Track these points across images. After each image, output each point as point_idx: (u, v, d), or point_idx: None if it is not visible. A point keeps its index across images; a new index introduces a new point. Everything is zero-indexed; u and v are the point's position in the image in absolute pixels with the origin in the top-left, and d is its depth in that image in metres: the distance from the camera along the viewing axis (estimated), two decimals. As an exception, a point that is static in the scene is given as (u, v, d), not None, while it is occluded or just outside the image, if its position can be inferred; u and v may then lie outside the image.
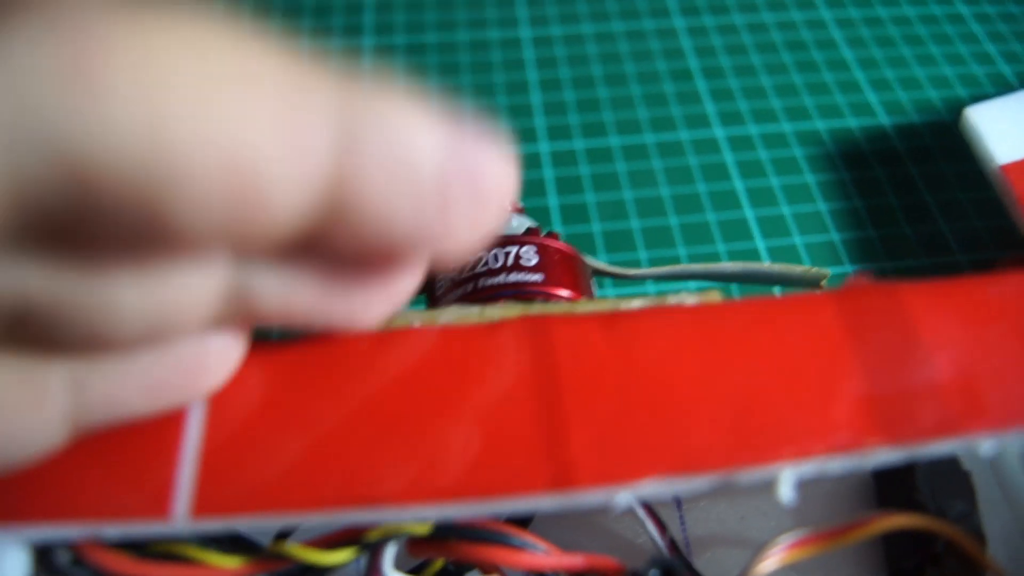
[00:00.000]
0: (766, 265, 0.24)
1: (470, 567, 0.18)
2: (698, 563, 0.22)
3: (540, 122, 0.36)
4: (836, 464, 0.16)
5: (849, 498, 0.23)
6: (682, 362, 0.16)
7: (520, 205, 0.24)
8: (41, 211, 0.10)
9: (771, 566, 0.17)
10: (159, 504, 0.15)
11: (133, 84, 0.09)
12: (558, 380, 0.16)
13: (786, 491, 0.16)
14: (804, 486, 0.17)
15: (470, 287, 0.20)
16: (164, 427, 0.15)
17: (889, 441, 0.16)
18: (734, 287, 0.29)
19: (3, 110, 0.09)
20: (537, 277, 0.20)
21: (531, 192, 0.34)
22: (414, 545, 0.18)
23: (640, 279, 0.24)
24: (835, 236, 0.32)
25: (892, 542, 0.22)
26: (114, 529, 0.15)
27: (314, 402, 0.16)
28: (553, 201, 0.33)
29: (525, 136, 0.36)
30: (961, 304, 0.17)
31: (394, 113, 0.12)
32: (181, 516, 0.15)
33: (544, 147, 0.35)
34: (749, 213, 0.33)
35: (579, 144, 0.36)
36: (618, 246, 0.32)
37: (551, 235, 0.22)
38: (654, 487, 0.15)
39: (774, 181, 0.34)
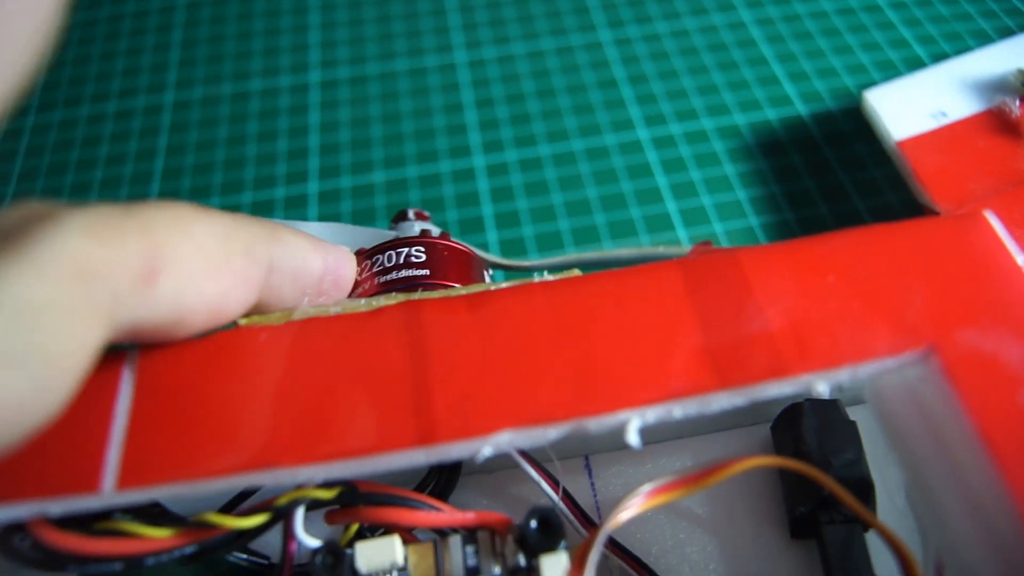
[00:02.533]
0: (660, 248, 0.25)
1: (378, 529, 0.20)
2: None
3: (475, 138, 0.39)
4: (678, 409, 0.17)
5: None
6: (535, 330, 0.18)
7: (425, 213, 0.26)
8: None
9: (633, 512, 0.18)
10: (90, 480, 0.17)
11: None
12: (426, 352, 0.18)
13: (633, 436, 0.17)
14: (709, 452, 0.18)
15: (367, 285, 0.22)
16: (94, 410, 0.18)
17: (724, 385, 0.18)
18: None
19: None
20: (424, 272, 0.22)
21: (466, 203, 0.36)
22: (330, 515, 0.20)
23: (534, 270, 0.26)
24: (754, 221, 0.34)
25: (789, 492, 0.23)
26: (56, 505, 0.17)
27: (222, 384, 0.18)
28: (488, 210, 0.35)
29: (460, 152, 0.38)
30: (793, 261, 0.19)
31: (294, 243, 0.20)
32: (108, 489, 0.17)
33: (479, 161, 0.38)
34: (671, 206, 0.35)
35: (511, 155, 0.38)
36: (549, 246, 0.34)
37: (443, 235, 0.24)
38: (508, 438, 0.17)
39: (695, 175, 0.36)
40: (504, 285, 0.20)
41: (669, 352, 0.18)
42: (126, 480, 0.17)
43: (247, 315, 0.20)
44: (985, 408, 0.17)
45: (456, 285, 0.22)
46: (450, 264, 0.23)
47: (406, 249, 0.23)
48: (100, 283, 0.15)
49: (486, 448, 0.17)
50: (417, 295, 0.20)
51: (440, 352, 0.18)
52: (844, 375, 0.18)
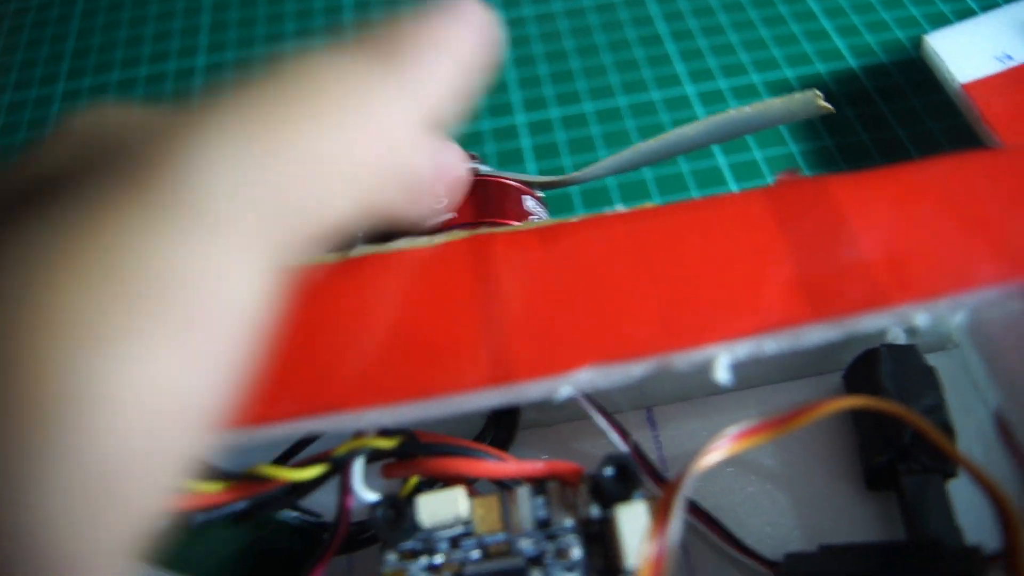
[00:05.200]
0: (743, 109, 0.22)
1: (438, 483, 0.19)
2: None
3: (516, 96, 0.37)
4: (770, 343, 0.16)
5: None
6: (615, 263, 0.17)
7: (472, 154, 0.25)
8: None
9: (718, 456, 0.17)
10: None
11: None
12: (498, 287, 0.17)
13: (722, 372, 0.16)
14: (777, 403, 0.17)
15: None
16: None
17: (819, 316, 0.16)
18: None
19: None
20: (451, 215, 0.21)
21: (510, 160, 0.35)
22: (388, 467, 0.19)
23: (588, 180, 0.24)
24: (809, 175, 0.33)
25: (865, 442, 0.22)
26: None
27: (277, 327, 0.17)
28: (532, 168, 0.34)
29: (501, 111, 0.37)
30: (888, 189, 0.18)
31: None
32: None
33: (520, 119, 0.36)
34: (722, 160, 0.33)
35: (555, 113, 0.36)
36: (596, 202, 0.32)
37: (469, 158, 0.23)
38: (590, 375, 0.16)
39: (749, 138, 0.35)
40: (577, 218, 0.18)
41: (759, 284, 0.17)
42: None
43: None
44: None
45: (508, 222, 0.21)
46: (478, 200, 0.22)
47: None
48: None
49: (565, 387, 0.16)
50: (482, 230, 0.19)
51: (513, 287, 0.17)
52: (945, 305, 0.16)
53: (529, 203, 0.23)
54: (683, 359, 0.16)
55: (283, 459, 0.20)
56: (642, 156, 0.23)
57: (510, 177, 0.23)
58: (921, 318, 0.16)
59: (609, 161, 0.23)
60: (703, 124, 0.22)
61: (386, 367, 0.16)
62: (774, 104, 0.22)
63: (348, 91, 0.13)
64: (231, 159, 0.11)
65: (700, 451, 0.17)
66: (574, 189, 0.33)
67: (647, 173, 0.33)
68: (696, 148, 0.23)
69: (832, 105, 0.21)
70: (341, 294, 0.18)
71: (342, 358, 0.17)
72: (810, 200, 0.18)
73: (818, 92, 0.21)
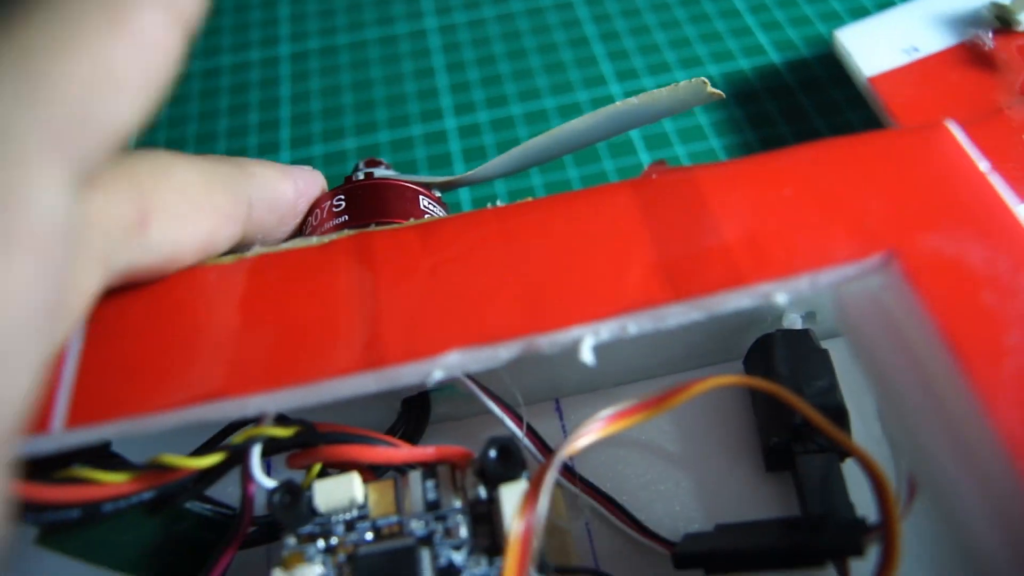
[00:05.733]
0: (630, 101, 0.23)
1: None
2: (578, 465, 0.23)
3: (446, 101, 0.38)
4: (632, 324, 0.17)
5: (723, 398, 0.24)
6: (485, 254, 0.18)
7: (377, 159, 0.26)
8: None
9: (593, 436, 0.18)
10: (40, 421, 0.17)
11: None
12: (376, 279, 0.18)
13: (586, 353, 0.17)
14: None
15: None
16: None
17: (679, 297, 0.17)
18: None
19: None
20: (343, 219, 0.22)
21: (439, 164, 0.35)
22: (291, 458, 0.20)
23: (481, 180, 0.25)
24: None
25: (762, 425, 0.23)
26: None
27: (172, 324, 0.18)
28: (460, 170, 0.35)
29: (432, 116, 0.38)
30: (750, 176, 0.19)
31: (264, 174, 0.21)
32: (58, 429, 0.17)
33: (450, 123, 0.37)
34: (644, 157, 0.34)
35: (483, 116, 0.37)
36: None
37: (368, 174, 0.24)
38: (459, 358, 0.16)
39: (668, 125, 0.35)
40: (457, 215, 0.19)
41: (622, 268, 0.17)
42: (75, 418, 0.17)
43: (232, 251, 0.20)
44: (949, 310, 0.16)
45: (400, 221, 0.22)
46: (371, 202, 0.22)
47: (328, 201, 0.23)
48: (96, 233, 0.16)
49: (436, 371, 0.16)
50: (369, 229, 0.19)
51: (389, 280, 0.18)
52: (804, 283, 0.17)
53: (425, 202, 0.23)
54: (548, 341, 0.17)
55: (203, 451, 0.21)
56: (533, 154, 0.24)
57: (405, 180, 0.24)
58: (780, 296, 0.17)
59: (501, 160, 0.24)
60: (592, 117, 0.23)
61: (269, 357, 0.17)
62: (661, 94, 0.22)
63: (99, 7, 0.14)
64: (9, 85, 0.13)
65: (575, 432, 0.18)
66: (500, 190, 0.34)
67: (572, 172, 0.34)
68: (588, 143, 0.24)
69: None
70: (229, 290, 0.18)
71: (227, 349, 0.17)
72: (675, 189, 0.19)
73: (705, 79, 0.22)
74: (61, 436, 0.17)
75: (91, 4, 0.14)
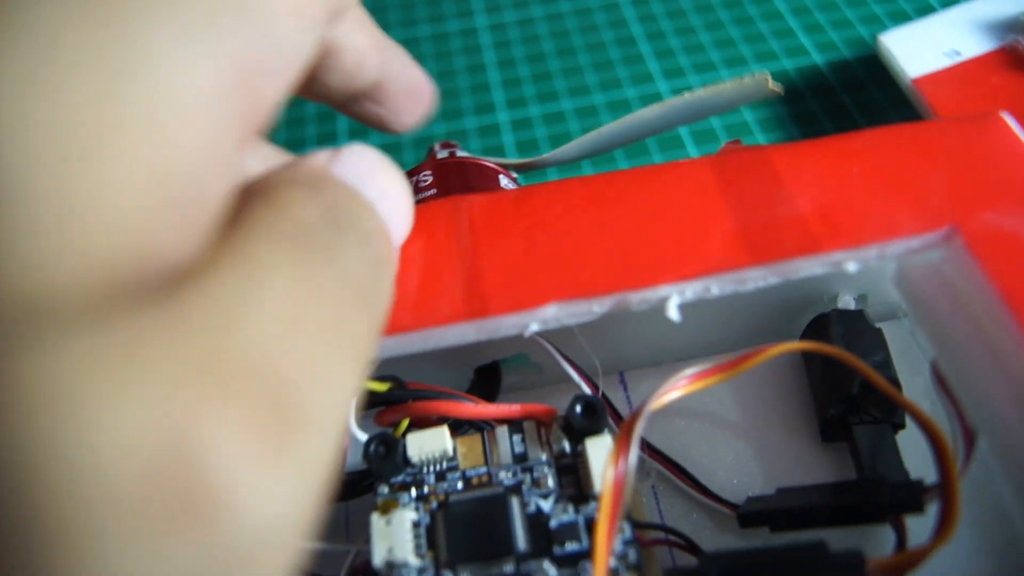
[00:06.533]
0: (697, 92, 0.24)
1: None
2: (644, 433, 0.24)
3: (499, 96, 0.40)
4: (715, 285, 0.18)
5: (781, 372, 0.26)
6: (577, 218, 0.19)
7: (451, 142, 0.27)
8: None
9: (676, 394, 0.19)
10: None
11: None
12: (475, 237, 0.19)
13: (672, 310, 0.18)
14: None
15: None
16: None
17: (758, 261, 0.18)
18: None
19: None
20: (432, 192, 0.23)
21: (493, 155, 0.37)
22: (380, 414, 0.21)
23: (559, 162, 0.26)
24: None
25: (818, 396, 0.24)
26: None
27: None
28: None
29: (485, 109, 0.39)
30: (821, 155, 0.20)
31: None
32: None
33: (503, 116, 0.39)
34: (692, 152, 0.36)
35: (535, 111, 0.39)
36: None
37: (451, 153, 0.25)
38: (555, 311, 0.18)
39: (714, 122, 0.37)
40: (545, 183, 0.21)
41: (704, 234, 0.19)
42: None
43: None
44: (1009, 278, 0.18)
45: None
46: (456, 178, 0.24)
47: (414, 177, 0.24)
48: None
49: (533, 323, 0.18)
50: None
51: (488, 238, 0.19)
52: (873, 253, 0.18)
53: (504, 181, 0.25)
54: (638, 297, 0.18)
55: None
56: (606, 139, 0.25)
57: (487, 160, 0.25)
58: (851, 265, 0.18)
59: (576, 144, 0.25)
60: (661, 107, 0.24)
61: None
62: (727, 87, 0.24)
63: None
64: None
65: (658, 390, 0.19)
66: (548, 171, 0.35)
67: (622, 164, 0.35)
68: (657, 131, 0.25)
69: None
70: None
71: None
72: (750, 165, 0.20)
73: (767, 75, 0.23)
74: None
75: None
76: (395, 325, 0.18)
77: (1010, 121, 0.21)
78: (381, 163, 0.16)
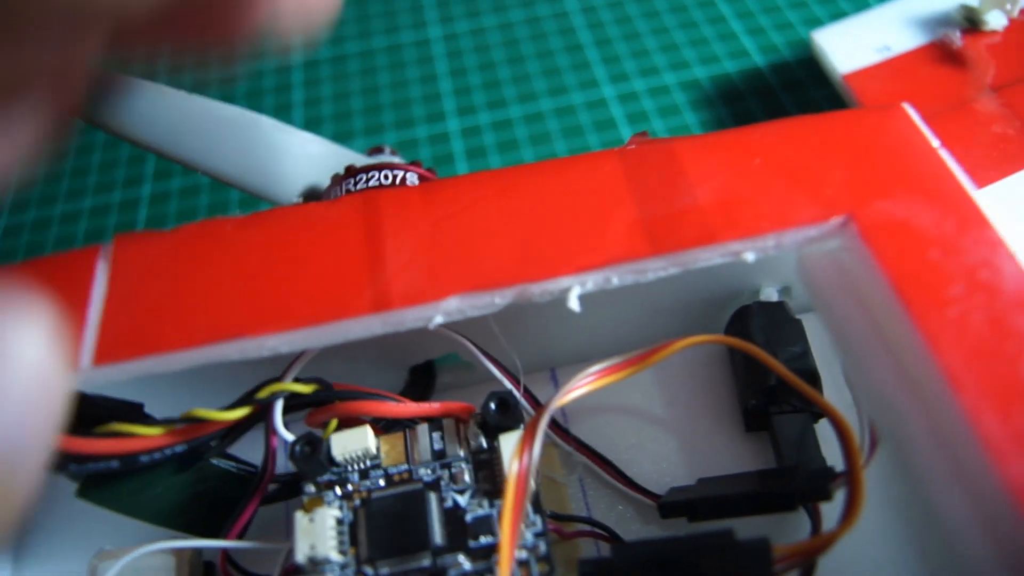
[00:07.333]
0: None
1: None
2: (572, 428, 0.25)
3: (449, 104, 0.40)
4: (615, 276, 0.19)
5: (705, 365, 0.26)
6: (482, 210, 0.20)
7: (385, 147, 0.28)
8: None
9: (583, 390, 0.20)
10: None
11: None
12: (380, 230, 0.20)
13: (573, 301, 0.19)
14: (666, 361, 0.20)
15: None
16: (71, 298, 0.19)
17: (658, 252, 0.19)
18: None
19: None
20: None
21: (441, 163, 0.37)
22: (309, 416, 0.21)
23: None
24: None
25: (740, 388, 0.25)
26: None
27: (191, 269, 0.20)
28: (462, 168, 0.37)
29: (436, 118, 0.40)
30: (723, 147, 0.21)
31: None
32: (86, 367, 0.18)
33: (453, 124, 0.39)
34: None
35: (484, 118, 0.39)
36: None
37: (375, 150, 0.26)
38: (458, 303, 0.18)
39: (657, 125, 0.38)
40: (456, 176, 0.21)
41: (607, 226, 0.19)
42: (101, 357, 0.18)
43: None
44: (900, 266, 0.18)
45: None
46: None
47: (400, 173, 0.24)
48: None
49: (437, 316, 0.18)
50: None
51: (393, 231, 0.20)
52: (770, 243, 0.19)
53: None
54: (539, 288, 0.18)
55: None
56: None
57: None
58: (749, 255, 0.19)
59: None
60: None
61: (285, 300, 0.19)
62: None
63: None
64: None
65: (567, 385, 0.19)
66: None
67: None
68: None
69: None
70: (248, 239, 0.20)
71: (246, 293, 0.19)
72: (655, 157, 0.21)
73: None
74: (90, 373, 0.18)
75: None
76: (302, 318, 0.18)
77: (911, 111, 0.22)
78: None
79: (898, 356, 0.19)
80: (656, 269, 0.19)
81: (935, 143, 0.21)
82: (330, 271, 0.19)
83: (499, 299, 0.18)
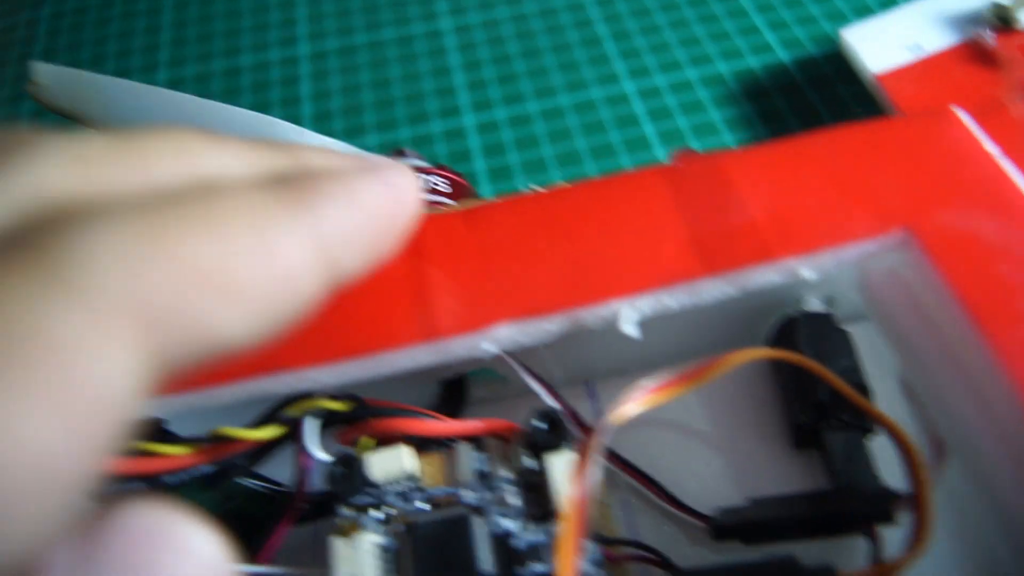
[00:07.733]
0: None
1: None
2: (614, 445, 0.24)
3: (464, 99, 0.39)
4: (670, 298, 0.18)
5: (751, 379, 0.25)
6: (528, 235, 0.19)
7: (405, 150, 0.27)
8: None
9: (636, 407, 0.19)
10: None
11: None
12: (424, 258, 0.19)
13: (628, 325, 0.18)
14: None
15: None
16: None
17: (711, 271, 0.18)
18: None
19: None
20: (447, 200, 0.23)
21: (458, 160, 0.36)
22: (342, 433, 0.20)
23: None
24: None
25: (788, 404, 0.24)
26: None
27: None
28: (480, 165, 0.36)
29: (450, 112, 0.39)
30: (772, 160, 0.20)
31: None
32: None
33: (468, 120, 0.38)
34: (659, 153, 0.35)
35: (500, 113, 0.38)
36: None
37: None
38: (509, 331, 0.18)
39: (681, 122, 0.37)
40: (497, 200, 0.20)
41: (657, 247, 0.18)
42: None
43: None
44: (965, 280, 0.17)
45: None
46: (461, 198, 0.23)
47: (434, 178, 0.23)
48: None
49: (487, 344, 0.17)
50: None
51: (439, 260, 0.19)
52: (828, 259, 0.18)
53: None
54: (591, 314, 0.18)
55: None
56: None
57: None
58: (806, 271, 0.18)
59: None
60: None
61: (330, 331, 0.18)
62: None
63: (241, 214, 0.13)
64: (117, 249, 0.11)
65: (617, 402, 0.19)
66: (520, 184, 0.35)
67: (589, 167, 0.35)
68: None
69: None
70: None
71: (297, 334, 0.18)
72: (702, 174, 0.20)
73: None
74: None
75: (239, 208, 0.13)
76: (349, 350, 0.17)
77: (962, 115, 0.21)
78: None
79: (966, 370, 0.18)
80: (711, 290, 0.18)
81: (991, 149, 0.20)
82: (377, 301, 0.18)
83: (550, 326, 0.17)
